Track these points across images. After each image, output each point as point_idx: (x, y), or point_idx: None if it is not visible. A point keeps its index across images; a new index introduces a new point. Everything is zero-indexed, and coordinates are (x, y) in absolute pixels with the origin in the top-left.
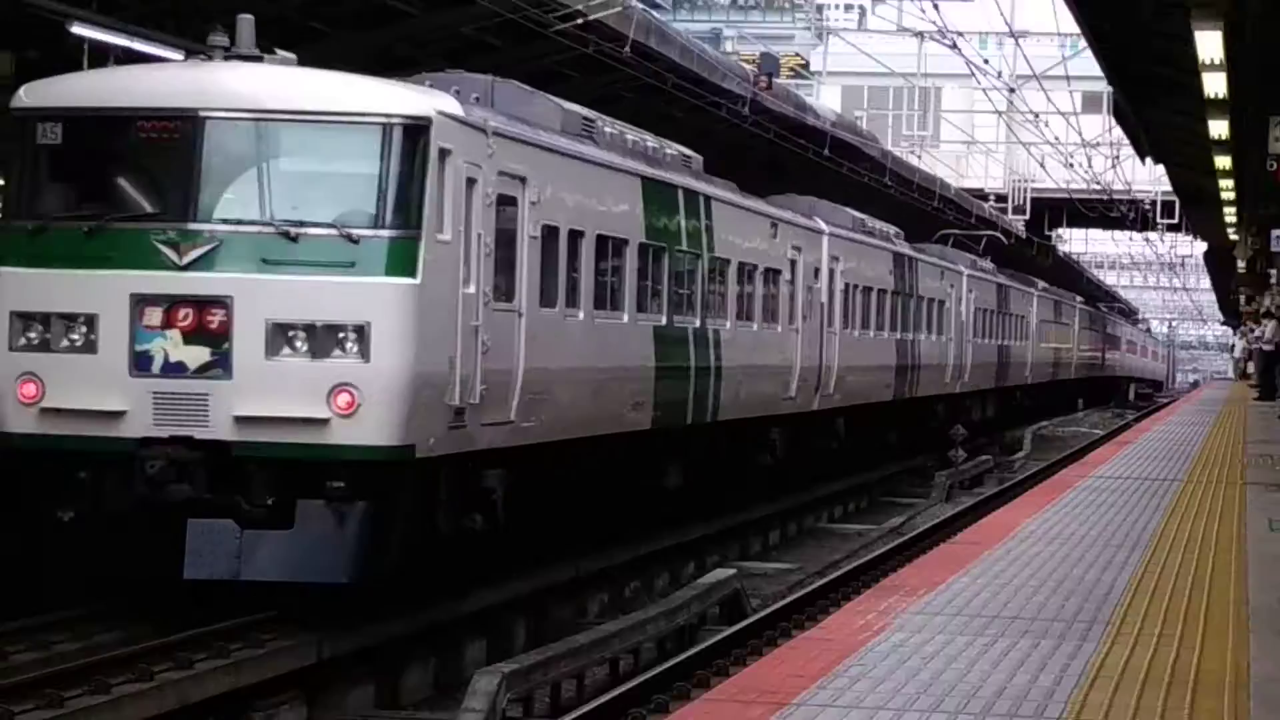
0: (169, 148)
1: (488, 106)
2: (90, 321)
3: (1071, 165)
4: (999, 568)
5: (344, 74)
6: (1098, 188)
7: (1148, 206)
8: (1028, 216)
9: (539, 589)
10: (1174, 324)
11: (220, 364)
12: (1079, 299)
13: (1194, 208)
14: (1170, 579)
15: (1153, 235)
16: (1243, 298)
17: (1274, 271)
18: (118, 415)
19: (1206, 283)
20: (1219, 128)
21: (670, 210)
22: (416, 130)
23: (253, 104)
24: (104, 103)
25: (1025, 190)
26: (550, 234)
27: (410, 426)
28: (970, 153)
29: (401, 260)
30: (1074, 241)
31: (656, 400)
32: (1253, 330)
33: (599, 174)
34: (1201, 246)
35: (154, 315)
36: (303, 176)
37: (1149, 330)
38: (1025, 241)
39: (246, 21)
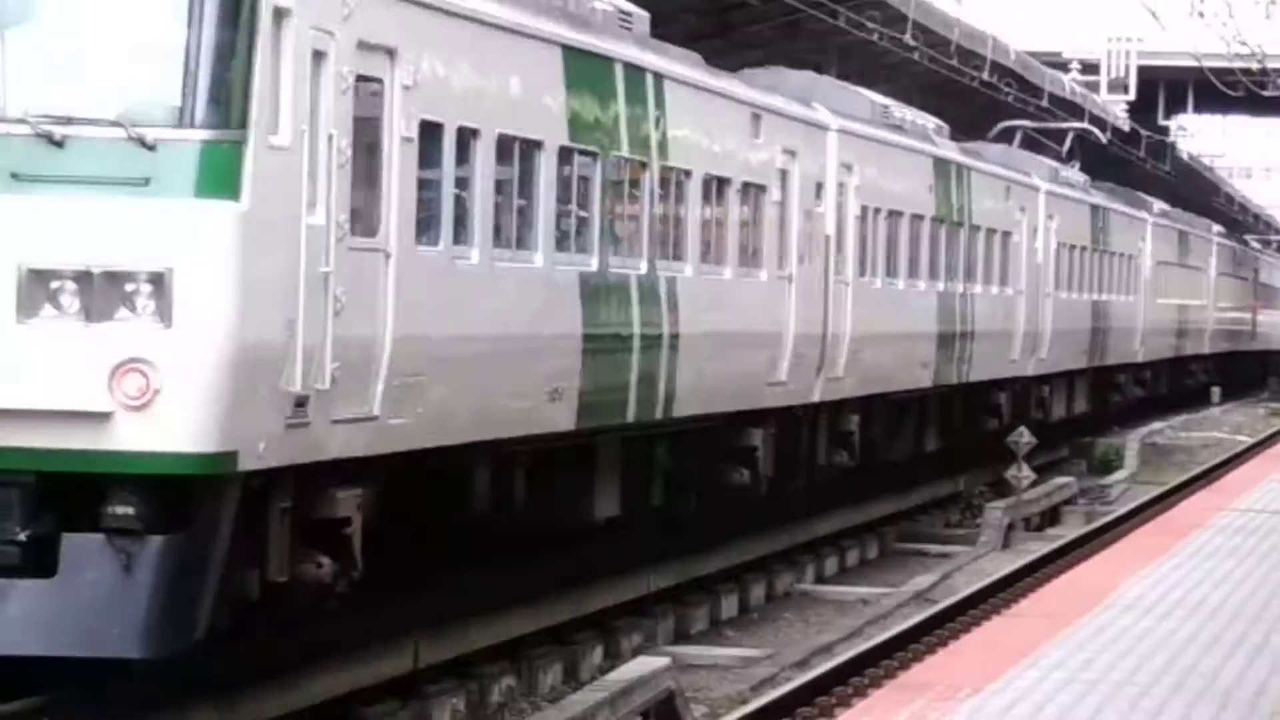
0: None
1: None
2: None
3: (1202, 15)
4: (1086, 655)
5: None
6: (1243, 52)
7: None
8: (1133, 97)
9: (375, 687)
10: None
11: None
12: (1216, 229)
13: None
14: None
15: None
16: None
17: None
18: None
19: None
20: None
21: (605, 96)
22: None
23: None
24: None
25: (1129, 56)
26: (431, 134)
27: (232, 425)
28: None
29: (220, 174)
30: (1205, 136)
31: (584, 387)
32: None
33: (500, 42)
34: None
35: None
36: (71, 50)
37: None
38: (1129, 136)
39: None
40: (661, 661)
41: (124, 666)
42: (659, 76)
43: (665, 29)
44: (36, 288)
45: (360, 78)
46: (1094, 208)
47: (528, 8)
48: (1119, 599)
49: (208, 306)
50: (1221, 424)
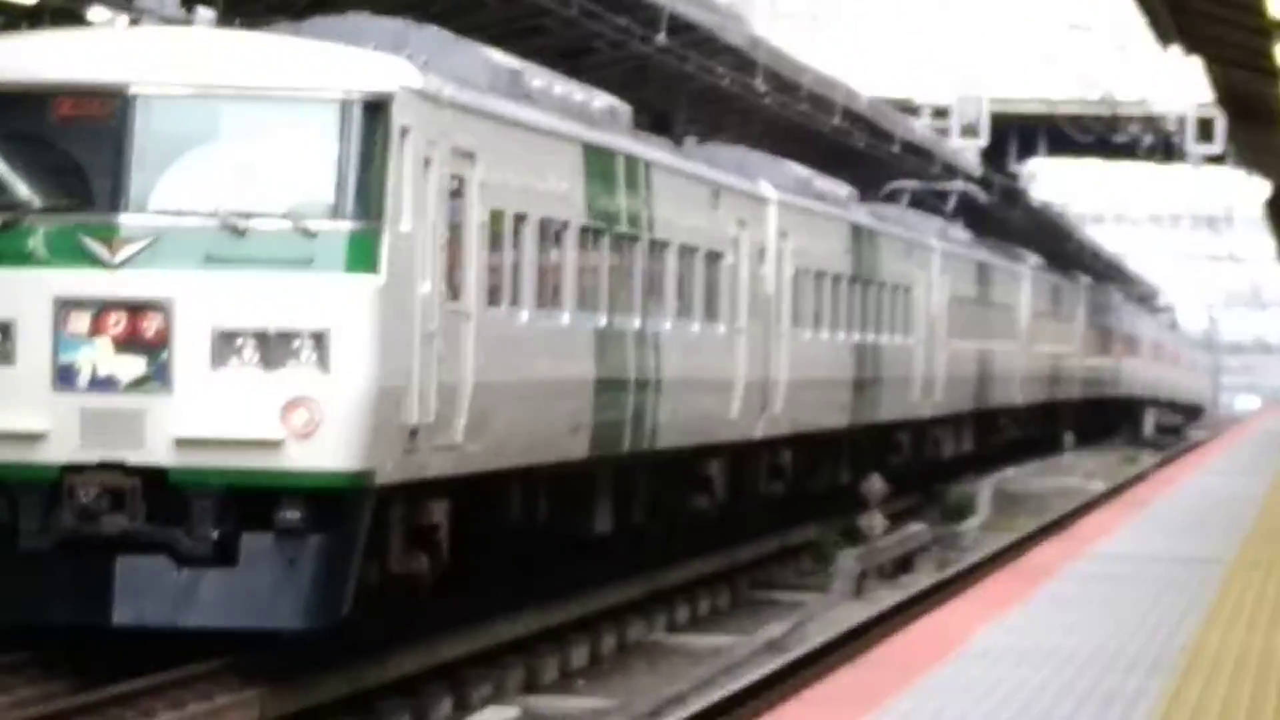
0: (95, 128)
1: (404, 57)
2: (5, 329)
3: (1053, 62)
4: (937, 704)
5: (294, 39)
6: (1094, 99)
7: (1173, 128)
8: (985, 143)
9: None
10: (1216, 313)
11: (158, 377)
12: (1086, 279)
13: (1247, 128)
14: None
15: (1182, 172)
16: None
17: None
18: (39, 437)
19: (1269, 247)
20: None
21: (610, 183)
22: (378, 106)
23: (192, 78)
24: (15, 76)
25: (980, 103)
26: (496, 219)
27: (372, 449)
28: (893, 40)
29: (364, 255)
30: (1056, 182)
31: (595, 421)
32: None
33: (542, 144)
34: (1261, 189)
35: (80, 321)
36: (250, 161)
37: (1175, 324)
38: (981, 182)
39: None
40: (511, 712)
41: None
42: (647, 164)
43: None
44: (225, 344)
45: (453, 176)
46: (979, 264)
47: (557, 111)
48: (971, 647)
49: (356, 357)
50: (1074, 470)
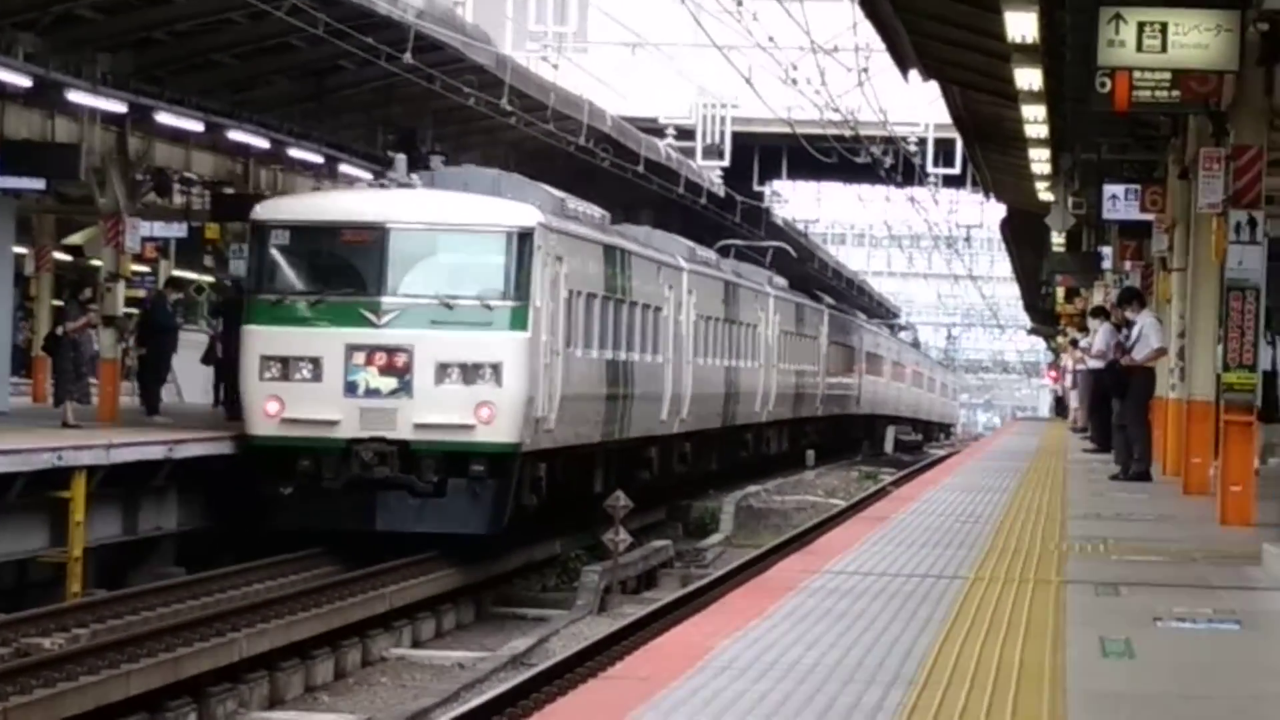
0: (365, 247)
1: (497, 194)
2: (316, 361)
3: (795, 83)
4: (679, 718)
5: (478, 197)
6: (836, 118)
7: (913, 149)
8: (727, 163)
9: None
10: (954, 333)
11: (404, 389)
12: (862, 316)
13: (985, 150)
14: None
15: (921, 193)
16: (1060, 290)
17: (1107, 250)
18: (335, 423)
19: (1005, 267)
20: (1022, 23)
21: (614, 267)
22: (527, 235)
23: (421, 219)
24: (319, 217)
25: (724, 122)
26: (572, 295)
27: (522, 430)
28: (637, 61)
29: (520, 320)
30: (799, 203)
31: (604, 419)
32: (1075, 341)
33: (588, 247)
34: (998, 211)
35: (360, 357)
36: (455, 266)
37: (917, 343)
38: (725, 202)
39: (401, 160)
40: None
41: (467, 538)
42: (630, 253)
43: (258, 92)
44: (442, 371)
45: (555, 272)
46: (797, 305)
47: (591, 225)
48: (713, 661)
49: (515, 378)
50: (816, 487)
